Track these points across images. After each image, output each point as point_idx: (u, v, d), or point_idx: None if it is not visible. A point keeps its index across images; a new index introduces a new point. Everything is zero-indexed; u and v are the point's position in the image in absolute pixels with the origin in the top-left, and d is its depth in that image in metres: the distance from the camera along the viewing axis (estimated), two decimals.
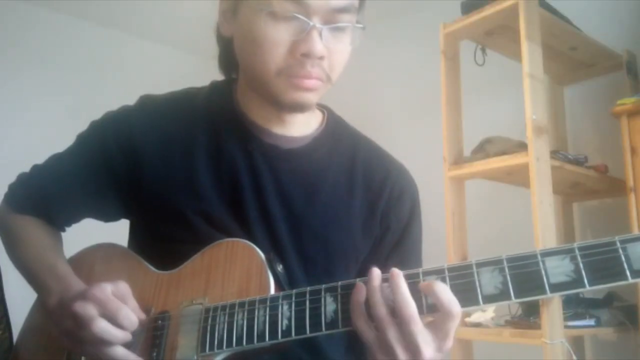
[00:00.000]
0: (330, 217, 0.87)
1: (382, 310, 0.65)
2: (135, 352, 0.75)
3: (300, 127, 0.90)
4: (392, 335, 0.65)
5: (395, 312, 0.65)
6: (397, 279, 0.65)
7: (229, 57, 0.91)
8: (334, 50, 0.79)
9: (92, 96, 2.74)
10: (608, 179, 2.04)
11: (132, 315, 0.73)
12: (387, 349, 0.65)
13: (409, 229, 0.93)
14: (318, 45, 0.76)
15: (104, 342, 0.71)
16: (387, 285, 0.66)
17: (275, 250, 0.81)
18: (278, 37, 0.77)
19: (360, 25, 0.82)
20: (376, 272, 0.67)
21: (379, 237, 0.91)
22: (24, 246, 0.91)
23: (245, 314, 0.72)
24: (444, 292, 0.63)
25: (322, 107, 0.97)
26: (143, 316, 0.76)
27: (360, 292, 0.67)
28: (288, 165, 0.88)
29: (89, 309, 0.71)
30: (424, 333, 0.64)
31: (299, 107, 0.82)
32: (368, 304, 0.66)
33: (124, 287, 0.75)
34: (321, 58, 0.78)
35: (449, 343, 0.66)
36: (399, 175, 0.94)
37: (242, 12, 0.81)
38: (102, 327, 0.71)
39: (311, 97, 0.81)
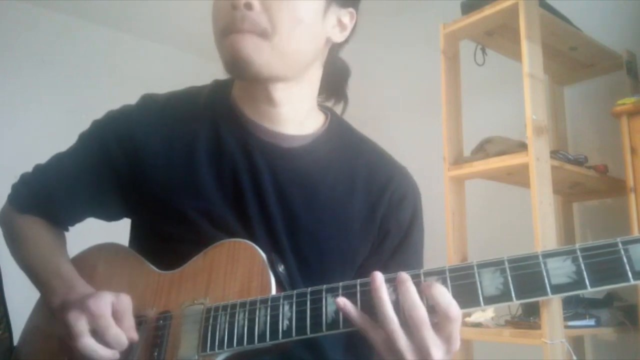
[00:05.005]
0: (328, 218, 0.86)
1: (391, 314, 0.64)
2: (136, 351, 0.75)
3: (295, 124, 0.89)
4: (402, 339, 0.64)
5: (405, 316, 0.64)
6: (407, 283, 0.64)
7: None
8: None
9: (92, 96, 2.74)
10: (608, 179, 2.04)
11: (121, 336, 0.73)
12: (396, 352, 0.64)
13: (409, 233, 0.91)
14: None
15: (89, 359, 0.72)
16: (392, 289, 0.65)
17: (274, 250, 0.80)
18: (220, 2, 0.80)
19: None
20: (379, 277, 0.66)
21: (378, 240, 0.90)
22: (27, 246, 0.91)
23: (246, 314, 0.72)
24: (442, 294, 0.63)
25: (325, 109, 0.96)
26: (136, 337, 0.76)
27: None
28: (287, 164, 0.87)
29: (80, 323, 0.71)
30: (434, 337, 0.63)
31: (239, 63, 0.78)
32: (376, 308, 0.65)
33: (125, 301, 0.75)
34: (248, 6, 0.76)
35: (455, 345, 0.65)
36: (401, 179, 0.93)
37: None
38: (88, 345, 0.71)
39: (246, 50, 0.77)
